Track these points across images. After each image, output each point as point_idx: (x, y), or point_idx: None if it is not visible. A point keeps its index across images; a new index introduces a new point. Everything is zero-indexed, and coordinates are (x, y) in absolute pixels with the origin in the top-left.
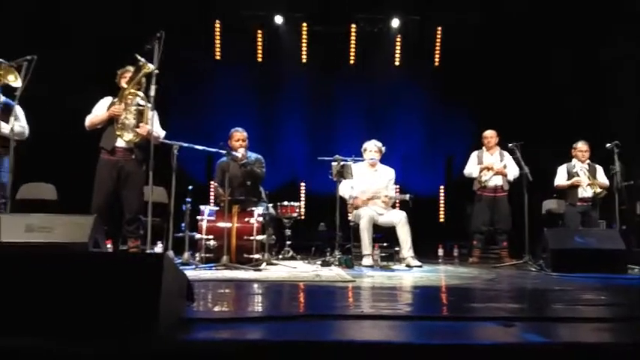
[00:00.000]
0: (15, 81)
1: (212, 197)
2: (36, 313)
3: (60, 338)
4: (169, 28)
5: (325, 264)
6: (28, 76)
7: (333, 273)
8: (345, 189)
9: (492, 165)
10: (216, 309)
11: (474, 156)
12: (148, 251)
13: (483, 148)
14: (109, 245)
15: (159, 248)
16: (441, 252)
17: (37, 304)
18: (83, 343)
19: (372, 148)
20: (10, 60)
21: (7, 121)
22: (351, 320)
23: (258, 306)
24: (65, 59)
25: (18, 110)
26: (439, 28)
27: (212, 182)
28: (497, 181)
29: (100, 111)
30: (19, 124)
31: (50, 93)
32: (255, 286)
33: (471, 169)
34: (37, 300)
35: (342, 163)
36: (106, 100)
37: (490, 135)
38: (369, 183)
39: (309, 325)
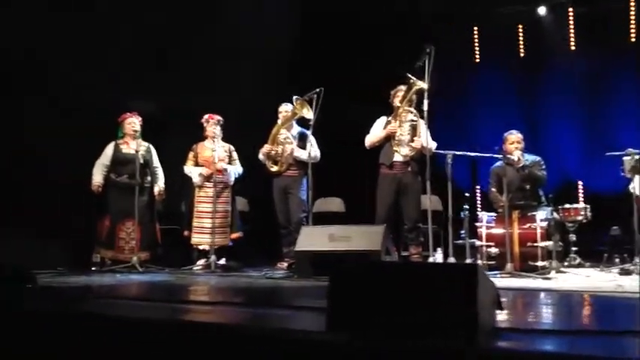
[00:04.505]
0: (308, 113)
1: (479, 203)
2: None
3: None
4: (430, 40)
5: (624, 272)
6: (317, 106)
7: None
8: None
9: None
10: (516, 319)
11: None
12: (431, 258)
13: None
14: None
15: (439, 255)
16: None
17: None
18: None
19: None
20: (302, 95)
21: (303, 148)
22: None
23: (558, 317)
24: (347, 88)
25: (311, 137)
26: None
27: (477, 187)
28: None
29: (377, 131)
30: (313, 149)
31: (335, 119)
32: (550, 295)
33: None
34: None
35: (637, 157)
36: (382, 120)
37: None
38: None
39: (616, 342)
